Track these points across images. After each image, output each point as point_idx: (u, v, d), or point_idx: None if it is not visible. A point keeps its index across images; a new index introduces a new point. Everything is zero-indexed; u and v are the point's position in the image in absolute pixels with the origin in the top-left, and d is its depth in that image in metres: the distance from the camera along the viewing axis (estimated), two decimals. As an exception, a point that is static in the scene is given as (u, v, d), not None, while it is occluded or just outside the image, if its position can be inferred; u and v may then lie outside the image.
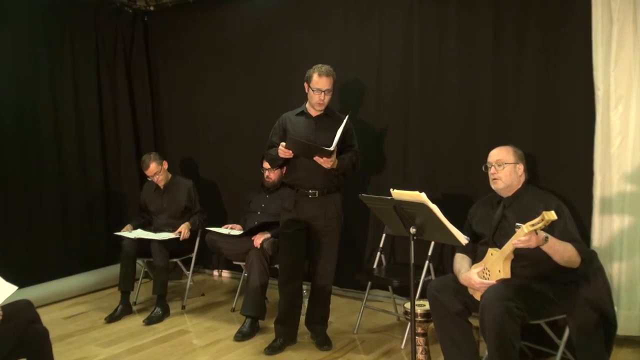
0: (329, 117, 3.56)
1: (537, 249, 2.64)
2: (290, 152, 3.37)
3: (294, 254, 3.58)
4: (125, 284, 4.37)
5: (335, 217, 3.56)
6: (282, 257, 3.65)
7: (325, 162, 3.32)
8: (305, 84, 3.50)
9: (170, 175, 4.70)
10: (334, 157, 3.33)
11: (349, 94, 4.47)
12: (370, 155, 4.42)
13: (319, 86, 3.42)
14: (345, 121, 3.38)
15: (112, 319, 4.25)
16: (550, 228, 2.62)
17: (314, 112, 3.54)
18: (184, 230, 4.44)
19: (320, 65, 3.48)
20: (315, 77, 3.43)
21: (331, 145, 3.29)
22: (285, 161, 3.52)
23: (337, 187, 3.58)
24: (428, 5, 4.07)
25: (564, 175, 3.58)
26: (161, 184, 4.65)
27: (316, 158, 3.32)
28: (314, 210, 3.52)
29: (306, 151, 3.36)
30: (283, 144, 3.38)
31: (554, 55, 3.61)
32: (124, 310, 4.34)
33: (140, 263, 4.67)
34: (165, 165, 4.65)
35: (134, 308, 4.50)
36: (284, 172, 3.77)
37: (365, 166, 4.43)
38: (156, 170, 4.55)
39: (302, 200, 3.53)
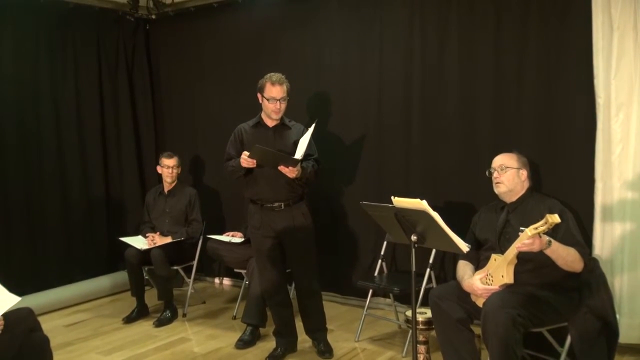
0: (286, 126, 3.53)
1: (541, 253, 2.63)
2: (254, 161, 3.30)
3: (273, 271, 3.53)
4: (137, 291, 4.49)
5: (305, 225, 3.51)
6: (262, 276, 3.58)
7: (291, 172, 3.28)
8: (259, 95, 3.45)
9: (176, 182, 4.74)
10: (298, 166, 3.30)
11: (349, 99, 4.48)
12: (371, 161, 4.42)
13: (274, 95, 3.38)
14: (312, 129, 3.35)
15: (129, 319, 4.38)
16: (553, 232, 2.62)
17: (270, 122, 3.50)
18: (158, 239, 4.45)
19: (271, 74, 3.43)
20: (268, 86, 3.39)
21: (294, 154, 3.27)
22: (246, 173, 3.44)
23: (301, 197, 3.53)
24: (429, 12, 4.08)
25: (565, 183, 3.57)
26: (167, 184, 4.70)
27: (281, 167, 3.27)
28: (283, 223, 3.45)
29: (272, 160, 3.30)
30: (246, 153, 3.30)
31: (554, 63, 3.62)
32: (140, 312, 4.46)
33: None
34: (179, 170, 4.77)
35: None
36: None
37: (366, 173, 4.46)
38: (176, 164, 4.69)
39: (268, 215, 3.46)
